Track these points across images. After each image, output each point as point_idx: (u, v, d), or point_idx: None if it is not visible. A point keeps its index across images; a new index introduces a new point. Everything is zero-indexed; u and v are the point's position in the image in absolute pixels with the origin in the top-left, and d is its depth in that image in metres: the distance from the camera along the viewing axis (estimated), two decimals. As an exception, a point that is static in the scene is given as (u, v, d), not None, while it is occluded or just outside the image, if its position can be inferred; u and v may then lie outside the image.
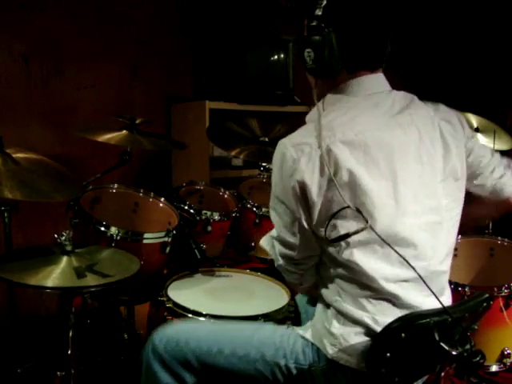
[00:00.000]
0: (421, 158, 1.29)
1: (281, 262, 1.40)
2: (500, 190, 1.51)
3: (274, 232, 1.38)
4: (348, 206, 1.19)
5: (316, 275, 1.39)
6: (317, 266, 1.37)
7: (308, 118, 1.34)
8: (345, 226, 1.21)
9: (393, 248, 1.19)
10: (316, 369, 1.31)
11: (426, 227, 1.29)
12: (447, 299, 1.39)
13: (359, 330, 1.26)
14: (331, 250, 1.26)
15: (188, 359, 1.37)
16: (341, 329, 1.27)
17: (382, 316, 1.24)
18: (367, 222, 1.18)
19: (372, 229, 1.19)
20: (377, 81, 1.33)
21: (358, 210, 1.19)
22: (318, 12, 1.26)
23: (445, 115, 1.37)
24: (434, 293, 1.19)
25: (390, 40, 1.32)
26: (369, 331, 1.25)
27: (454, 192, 1.35)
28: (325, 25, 1.25)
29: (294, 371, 1.32)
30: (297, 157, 1.22)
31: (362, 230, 1.18)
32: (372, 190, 1.21)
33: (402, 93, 1.35)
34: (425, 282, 1.19)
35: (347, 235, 1.20)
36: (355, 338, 1.25)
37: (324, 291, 1.34)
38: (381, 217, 1.21)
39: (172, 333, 1.42)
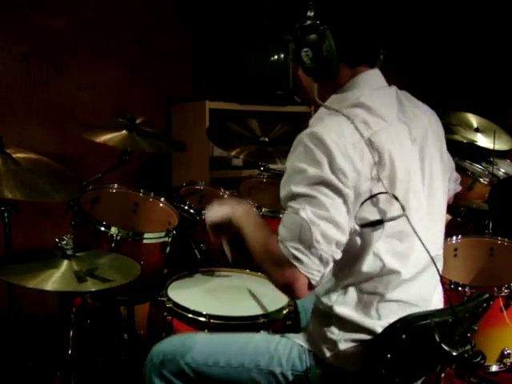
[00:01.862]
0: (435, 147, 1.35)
1: (318, 245, 1.16)
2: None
3: (313, 212, 1.18)
4: (386, 192, 1.19)
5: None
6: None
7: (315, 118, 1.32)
8: (374, 213, 1.21)
9: (421, 240, 1.19)
10: (314, 375, 1.30)
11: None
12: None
13: (361, 335, 1.25)
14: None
15: (185, 372, 1.38)
16: (340, 334, 1.26)
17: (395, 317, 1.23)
18: (404, 209, 1.19)
19: (406, 217, 1.19)
20: (377, 76, 1.34)
21: (395, 197, 1.20)
22: (310, 12, 1.27)
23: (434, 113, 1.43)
24: (445, 290, 1.21)
25: (385, 36, 1.34)
26: (370, 335, 1.24)
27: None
28: (319, 22, 1.25)
29: (291, 378, 1.32)
30: (342, 146, 1.18)
31: (399, 217, 1.19)
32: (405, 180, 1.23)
33: (396, 88, 1.38)
34: (441, 279, 1.20)
35: (381, 221, 1.20)
36: (355, 342, 1.25)
37: (326, 296, 1.31)
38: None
39: (169, 347, 1.43)
